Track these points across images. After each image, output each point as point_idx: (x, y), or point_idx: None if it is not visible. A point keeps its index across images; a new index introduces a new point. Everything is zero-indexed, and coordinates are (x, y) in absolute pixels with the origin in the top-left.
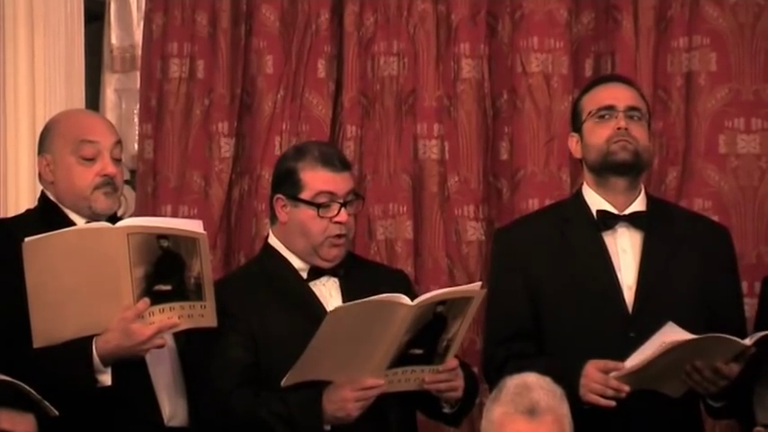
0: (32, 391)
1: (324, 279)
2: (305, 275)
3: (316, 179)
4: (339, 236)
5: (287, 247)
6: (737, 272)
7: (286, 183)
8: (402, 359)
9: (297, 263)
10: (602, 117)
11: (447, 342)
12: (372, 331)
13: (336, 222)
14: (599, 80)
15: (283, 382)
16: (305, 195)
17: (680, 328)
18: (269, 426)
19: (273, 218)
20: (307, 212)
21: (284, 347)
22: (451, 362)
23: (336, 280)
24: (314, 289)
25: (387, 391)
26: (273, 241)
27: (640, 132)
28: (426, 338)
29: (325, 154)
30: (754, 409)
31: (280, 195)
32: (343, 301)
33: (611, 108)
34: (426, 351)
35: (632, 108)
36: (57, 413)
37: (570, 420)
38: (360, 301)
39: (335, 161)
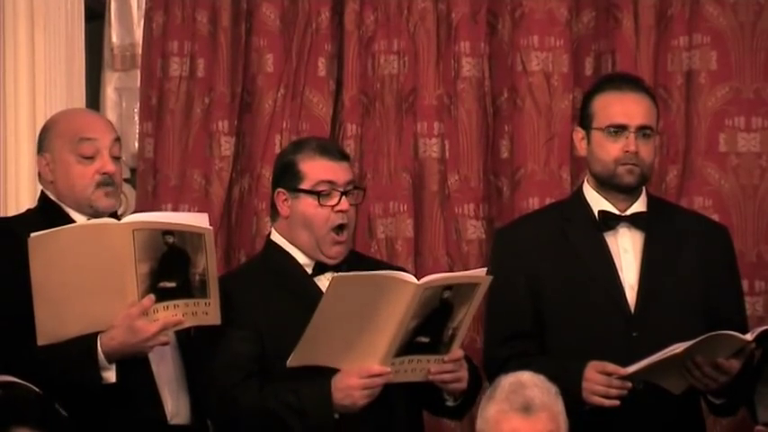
0: (41, 393)
1: (328, 275)
2: (310, 271)
3: (315, 168)
4: (341, 228)
5: (291, 242)
6: (738, 270)
7: (286, 176)
8: (408, 347)
9: (301, 258)
10: (613, 133)
11: (452, 330)
12: (378, 310)
13: (338, 211)
14: (614, 81)
15: (288, 362)
16: (305, 185)
17: (682, 343)
18: (278, 416)
19: (275, 214)
20: (307, 202)
21: (289, 341)
22: (457, 352)
23: None
24: (318, 284)
25: (393, 380)
26: (276, 237)
27: (648, 152)
28: (433, 326)
29: (322, 145)
30: (756, 408)
31: (280, 189)
32: None
33: (622, 126)
34: (432, 339)
35: (643, 126)
36: (66, 415)
37: (565, 417)
38: (365, 272)
39: (334, 151)
